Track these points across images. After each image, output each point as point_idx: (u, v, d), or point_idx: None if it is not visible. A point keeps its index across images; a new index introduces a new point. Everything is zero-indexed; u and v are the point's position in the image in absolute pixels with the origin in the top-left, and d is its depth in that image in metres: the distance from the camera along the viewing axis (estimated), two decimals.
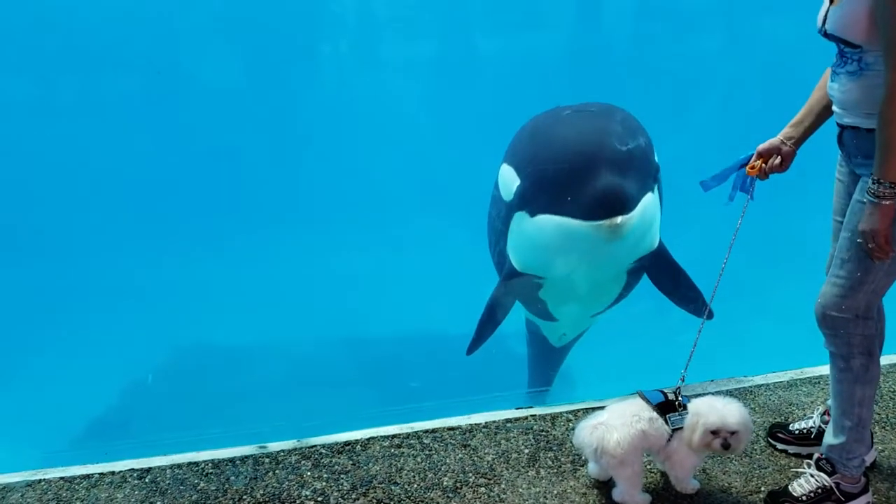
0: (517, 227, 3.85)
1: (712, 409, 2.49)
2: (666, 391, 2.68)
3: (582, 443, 2.56)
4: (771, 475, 2.85)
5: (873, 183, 2.24)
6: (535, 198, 3.66)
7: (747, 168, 2.77)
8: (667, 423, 2.58)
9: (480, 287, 4.40)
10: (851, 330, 2.46)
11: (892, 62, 2.16)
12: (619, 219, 3.37)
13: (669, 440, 2.60)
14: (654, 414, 2.58)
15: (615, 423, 2.51)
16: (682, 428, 2.56)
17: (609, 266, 3.97)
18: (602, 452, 2.49)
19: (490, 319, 4.17)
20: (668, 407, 2.62)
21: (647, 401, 2.63)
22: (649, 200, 3.64)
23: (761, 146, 2.78)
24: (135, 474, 2.98)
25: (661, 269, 4.09)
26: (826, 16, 2.35)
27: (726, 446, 2.47)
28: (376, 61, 12.73)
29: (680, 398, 2.63)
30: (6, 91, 10.21)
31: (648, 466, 2.86)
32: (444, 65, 12.32)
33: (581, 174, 3.45)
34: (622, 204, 3.40)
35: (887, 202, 2.22)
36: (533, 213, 3.68)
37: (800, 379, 3.57)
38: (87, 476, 2.99)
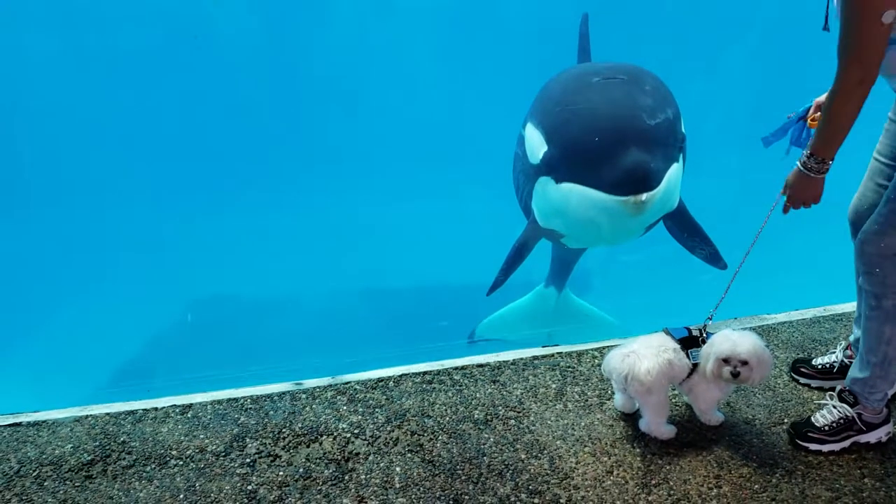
0: (542, 190, 3.92)
1: (725, 339, 2.57)
2: (691, 328, 2.74)
3: (612, 370, 2.65)
4: (794, 408, 2.92)
5: (807, 157, 2.36)
6: (562, 167, 3.74)
7: (808, 120, 2.73)
8: (688, 357, 2.65)
9: (504, 237, 4.51)
10: (888, 269, 2.46)
11: (845, 61, 2.16)
12: (644, 196, 3.47)
13: (691, 374, 2.67)
14: (678, 346, 2.66)
15: (645, 353, 2.59)
16: (694, 366, 2.65)
17: (628, 229, 4.06)
18: (632, 379, 2.58)
19: (513, 262, 4.30)
20: (692, 342, 2.69)
21: (672, 336, 2.70)
22: (674, 171, 3.70)
23: (819, 98, 2.72)
24: (177, 410, 3.10)
25: (679, 224, 4.19)
26: None
27: (736, 374, 2.54)
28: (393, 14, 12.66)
29: (704, 335, 2.70)
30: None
31: (674, 400, 2.94)
32: (462, 13, 12.22)
33: (611, 149, 3.51)
34: (649, 180, 3.49)
35: (815, 176, 2.37)
36: (559, 181, 3.76)
37: (823, 316, 3.62)
38: (132, 412, 3.11)
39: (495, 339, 5.70)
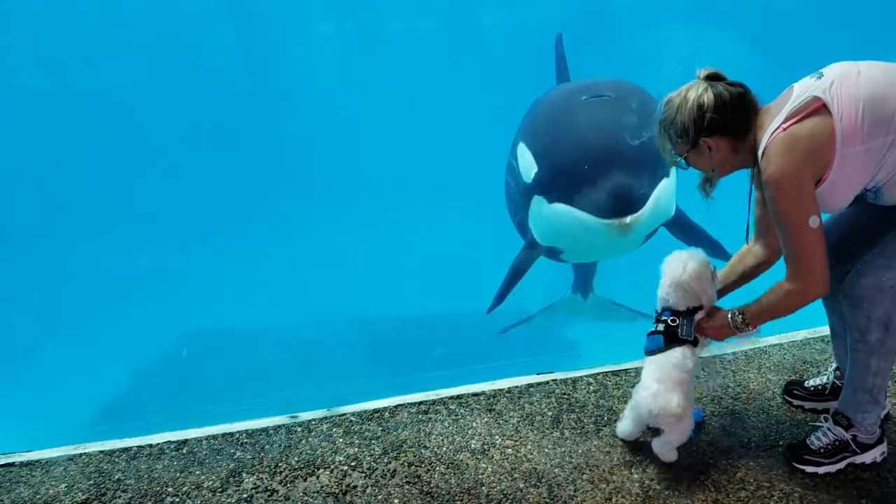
0: (536, 209, 3.97)
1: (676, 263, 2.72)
2: (655, 326, 2.75)
3: (646, 411, 2.65)
4: (788, 430, 2.94)
5: (742, 321, 2.58)
6: (551, 188, 3.79)
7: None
8: (680, 334, 2.67)
9: (498, 264, 4.56)
10: (878, 303, 2.44)
11: (795, 270, 2.38)
12: (628, 218, 3.54)
13: (698, 344, 2.72)
14: (679, 352, 2.67)
15: (669, 386, 2.61)
16: (695, 338, 2.69)
17: (625, 245, 4.10)
18: (667, 416, 2.60)
19: (512, 280, 4.35)
20: (671, 332, 2.69)
21: (656, 350, 2.70)
22: (663, 187, 3.74)
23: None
24: (172, 446, 3.08)
25: (679, 230, 4.24)
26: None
27: None
28: (378, 40, 12.76)
29: (662, 315, 2.74)
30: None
31: None
32: (446, 41, 12.34)
33: (595, 172, 3.56)
34: (632, 204, 3.55)
35: (735, 332, 2.64)
36: (550, 201, 3.82)
37: (812, 338, 3.65)
38: (126, 449, 3.09)
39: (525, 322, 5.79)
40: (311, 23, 12.52)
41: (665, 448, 2.74)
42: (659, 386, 2.62)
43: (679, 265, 2.71)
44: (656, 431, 2.74)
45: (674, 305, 2.72)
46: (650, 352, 2.71)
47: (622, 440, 2.91)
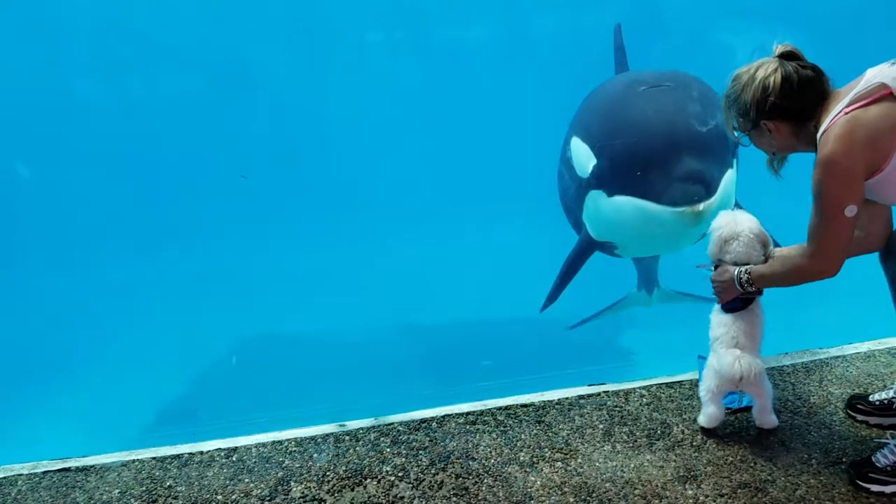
0: (593, 204, 3.89)
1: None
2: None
3: (736, 377, 2.71)
4: (852, 446, 2.82)
5: (746, 281, 2.65)
6: (613, 180, 3.70)
7: None
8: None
9: (548, 271, 4.50)
10: None
11: (813, 248, 2.40)
12: (701, 206, 3.42)
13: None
14: (753, 311, 2.78)
15: (751, 347, 2.74)
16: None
17: (685, 239, 4.00)
18: (755, 375, 2.69)
19: (567, 276, 4.30)
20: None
21: (739, 307, 2.76)
22: (729, 176, 3.64)
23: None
24: (222, 453, 3.11)
25: None
26: None
27: None
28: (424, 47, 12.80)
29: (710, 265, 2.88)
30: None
31: (728, 429, 2.86)
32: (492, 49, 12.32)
33: (664, 160, 3.47)
34: (706, 190, 3.45)
35: (740, 290, 2.71)
36: (611, 194, 3.73)
37: (878, 350, 3.50)
38: (178, 456, 3.12)
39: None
40: (364, 31, 12.65)
41: (765, 413, 2.83)
42: (740, 350, 2.72)
43: (743, 219, 2.80)
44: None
45: (742, 259, 2.77)
46: (731, 309, 2.79)
47: (706, 430, 2.91)
